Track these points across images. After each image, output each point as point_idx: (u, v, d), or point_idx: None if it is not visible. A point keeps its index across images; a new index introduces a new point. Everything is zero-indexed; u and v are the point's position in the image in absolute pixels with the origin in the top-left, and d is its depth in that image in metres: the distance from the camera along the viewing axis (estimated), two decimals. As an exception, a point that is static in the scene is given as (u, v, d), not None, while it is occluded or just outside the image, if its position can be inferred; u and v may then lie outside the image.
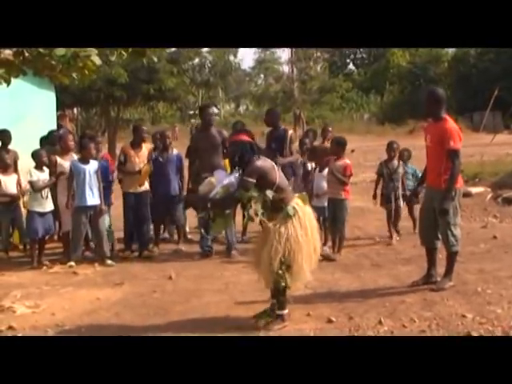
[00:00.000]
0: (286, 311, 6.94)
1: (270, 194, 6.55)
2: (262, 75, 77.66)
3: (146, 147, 10.96)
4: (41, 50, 7.88)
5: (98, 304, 8.14)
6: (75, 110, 38.56)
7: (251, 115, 59.30)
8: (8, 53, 8.15)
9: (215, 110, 10.17)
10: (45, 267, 10.00)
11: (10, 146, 11.46)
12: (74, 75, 13.30)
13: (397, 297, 7.71)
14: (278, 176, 6.72)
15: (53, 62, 11.49)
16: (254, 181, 6.55)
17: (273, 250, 6.53)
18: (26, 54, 10.10)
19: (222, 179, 6.82)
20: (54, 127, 19.76)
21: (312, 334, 6.63)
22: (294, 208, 6.64)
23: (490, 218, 12.63)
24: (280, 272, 6.56)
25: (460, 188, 7.96)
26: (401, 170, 10.96)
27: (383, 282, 8.46)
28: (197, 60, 53.49)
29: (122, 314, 7.64)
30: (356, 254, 10.29)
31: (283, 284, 6.64)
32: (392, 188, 10.90)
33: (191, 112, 69.73)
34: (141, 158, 10.77)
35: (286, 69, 59.52)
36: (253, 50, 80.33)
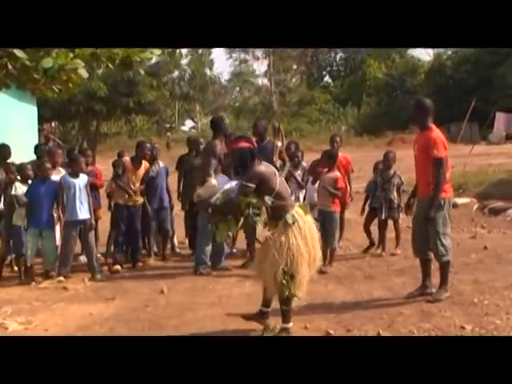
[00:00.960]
0: (290, 324, 6.85)
1: (268, 200, 6.46)
2: (237, 88, 77.86)
3: (145, 165, 10.87)
4: (26, 62, 7.78)
5: (92, 319, 8.03)
6: (53, 123, 38.40)
7: (230, 128, 59.24)
8: (-10, 66, 8.08)
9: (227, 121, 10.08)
10: (33, 283, 9.85)
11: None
12: (57, 89, 13.27)
13: (393, 308, 7.68)
14: (279, 183, 6.60)
15: (36, 76, 11.44)
16: (254, 186, 6.44)
17: (274, 260, 6.43)
18: (9, 67, 10.04)
19: (224, 184, 6.73)
20: (36, 140, 19.74)
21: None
22: (293, 216, 6.51)
23: (478, 228, 12.71)
24: (284, 282, 6.45)
25: (450, 198, 8.01)
26: (396, 181, 10.92)
27: (378, 293, 8.44)
28: (176, 73, 53.40)
29: (116, 329, 7.53)
30: (347, 265, 10.27)
31: (287, 294, 6.56)
32: (383, 197, 10.87)
33: (167, 125, 69.70)
34: (138, 176, 10.74)
35: (262, 81, 59.67)
36: (228, 62, 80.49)
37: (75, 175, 10.08)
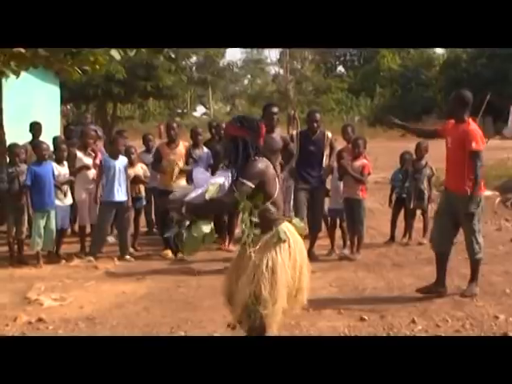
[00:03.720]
0: None
1: (269, 207, 5.15)
2: (248, 75, 77.93)
3: (183, 145, 10.63)
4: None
5: (125, 298, 8.13)
6: (68, 106, 38.44)
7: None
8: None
9: (277, 110, 9.59)
10: (63, 260, 9.94)
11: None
12: (82, 70, 13.33)
13: (425, 296, 7.72)
14: (278, 189, 5.27)
15: (64, 56, 11.49)
16: (254, 186, 5.04)
17: (250, 280, 5.07)
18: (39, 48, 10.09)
19: (204, 181, 5.31)
20: (58, 121, 19.85)
21: (346, 331, 6.67)
22: (285, 232, 5.14)
23: (502, 221, 12.73)
24: (255, 308, 5.06)
25: (483, 194, 7.81)
26: (427, 172, 10.93)
27: (408, 281, 8.49)
28: (194, 58, 53.39)
29: (150, 309, 7.63)
30: (375, 253, 10.33)
31: (256, 323, 5.12)
32: (413, 187, 10.88)
33: (179, 110, 69.72)
34: (177, 155, 10.42)
35: (275, 70, 59.60)
36: (240, 49, 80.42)
37: (115, 156, 10.12)
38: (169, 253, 10.36)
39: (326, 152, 10.10)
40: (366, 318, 7.06)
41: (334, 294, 8.15)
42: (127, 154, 10.61)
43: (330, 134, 10.10)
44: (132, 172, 10.62)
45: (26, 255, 10.03)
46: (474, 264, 7.77)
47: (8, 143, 10.99)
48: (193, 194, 5.20)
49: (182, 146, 10.56)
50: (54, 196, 9.89)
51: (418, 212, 11.19)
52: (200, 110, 78.33)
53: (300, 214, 9.38)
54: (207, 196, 5.08)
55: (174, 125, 10.89)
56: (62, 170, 10.16)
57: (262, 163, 5.14)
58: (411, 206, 10.96)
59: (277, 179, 5.28)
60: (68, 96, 26.84)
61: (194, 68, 51.06)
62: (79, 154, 10.42)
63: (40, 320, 7.23)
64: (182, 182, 10.07)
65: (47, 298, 8.05)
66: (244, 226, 5.06)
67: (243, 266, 5.21)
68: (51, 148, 10.78)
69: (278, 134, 9.61)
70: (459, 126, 7.64)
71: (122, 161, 10.16)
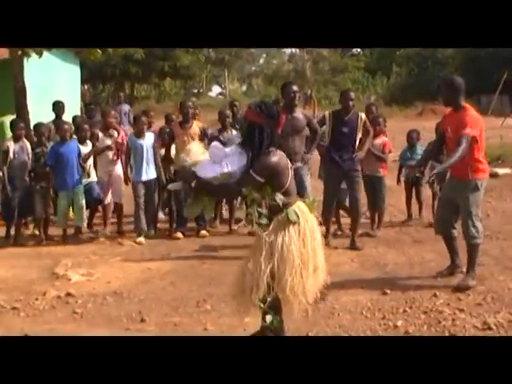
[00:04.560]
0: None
1: (279, 199, 5.19)
2: (264, 55, 77.72)
3: (197, 124, 10.38)
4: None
5: (151, 273, 8.29)
6: (85, 86, 38.61)
7: (258, 95, 59.31)
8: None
9: (297, 88, 9.25)
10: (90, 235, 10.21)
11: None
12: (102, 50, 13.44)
13: (447, 271, 7.79)
14: (290, 178, 5.31)
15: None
16: (263, 181, 5.11)
17: (260, 260, 5.16)
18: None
19: (220, 157, 5.36)
20: (78, 101, 20.00)
21: (369, 305, 6.79)
22: (295, 212, 5.25)
23: (521, 198, 12.82)
24: (266, 291, 5.14)
25: (485, 179, 7.56)
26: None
27: (429, 257, 8.59)
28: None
29: (177, 283, 7.80)
30: (394, 230, 10.44)
31: (269, 305, 5.18)
32: (430, 167, 10.81)
33: (195, 90, 69.64)
34: (191, 135, 10.15)
35: (291, 49, 59.30)
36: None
37: (140, 135, 10.06)
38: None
39: (359, 134, 9.54)
40: (389, 291, 7.18)
41: (356, 269, 8.29)
42: (161, 134, 10.58)
43: (363, 116, 9.62)
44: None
45: (52, 234, 10.25)
46: (471, 249, 7.46)
47: (31, 123, 11.11)
48: (205, 171, 5.28)
49: (196, 126, 10.35)
50: (79, 174, 9.96)
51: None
52: (215, 90, 78.37)
53: (330, 200, 9.36)
54: (215, 182, 5.21)
55: (190, 103, 10.77)
56: (85, 150, 10.26)
57: (275, 156, 5.18)
58: (433, 189, 10.83)
59: (289, 168, 5.32)
60: (86, 76, 26.98)
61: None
62: (101, 134, 10.51)
63: (69, 294, 7.40)
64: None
65: (75, 273, 8.23)
66: (252, 216, 5.12)
67: (258, 247, 5.26)
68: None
69: (300, 112, 9.37)
70: (457, 113, 7.44)
71: (148, 139, 10.09)
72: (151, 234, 10.23)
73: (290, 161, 5.46)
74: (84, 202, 10.02)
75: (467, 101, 7.63)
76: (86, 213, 10.31)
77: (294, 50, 59.69)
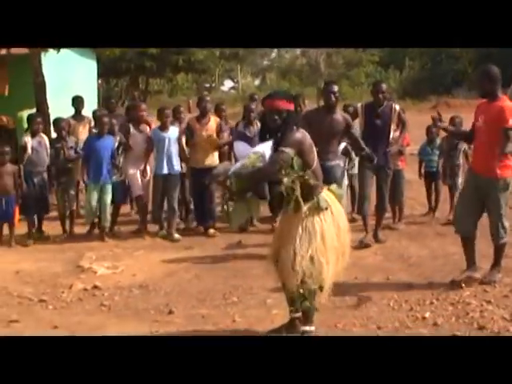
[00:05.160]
0: (313, 328, 5.60)
1: (309, 175, 5.34)
2: (276, 49, 77.65)
3: (215, 120, 10.34)
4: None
5: (175, 267, 8.33)
6: (99, 80, 38.66)
7: (271, 89, 59.19)
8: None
9: (337, 89, 8.91)
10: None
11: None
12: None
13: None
14: (316, 162, 5.49)
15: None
16: (293, 152, 5.24)
17: (297, 246, 5.29)
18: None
19: (246, 153, 5.46)
20: (95, 95, 20.06)
21: (395, 297, 6.78)
22: (326, 200, 5.41)
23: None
24: (308, 271, 5.28)
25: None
26: (463, 146, 10.56)
27: (452, 249, 8.51)
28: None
29: (201, 276, 7.84)
30: (416, 223, 10.45)
31: (310, 287, 5.35)
32: (449, 164, 10.74)
33: (207, 85, 69.66)
34: (209, 130, 10.14)
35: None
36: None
37: (164, 128, 9.92)
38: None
39: (393, 126, 9.27)
40: (414, 284, 7.20)
41: (380, 262, 8.30)
42: (189, 129, 10.32)
43: (397, 107, 9.34)
44: None
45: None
46: (499, 249, 7.31)
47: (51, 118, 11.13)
48: (237, 165, 5.38)
49: (213, 121, 10.29)
50: (108, 171, 9.87)
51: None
52: (227, 84, 78.39)
53: (364, 194, 9.19)
54: (248, 162, 5.22)
55: (207, 98, 10.73)
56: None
57: (299, 133, 5.39)
58: (448, 183, 10.79)
59: (314, 150, 5.48)
60: (101, 70, 27.02)
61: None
62: (132, 129, 10.15)
63: (95, 287, 7.46)
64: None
65: (100, 266, 8.27)
66: (285, 192, 5.22)
67: (289, 230, 5.41)
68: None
69: (340, 114, 8.86)
70: (493, 103, 7.17)
71: (173, 132, 9.96)
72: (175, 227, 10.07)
73: (323, 159, 5.57)
74: (110, 200, 9.96)
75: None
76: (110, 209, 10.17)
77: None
